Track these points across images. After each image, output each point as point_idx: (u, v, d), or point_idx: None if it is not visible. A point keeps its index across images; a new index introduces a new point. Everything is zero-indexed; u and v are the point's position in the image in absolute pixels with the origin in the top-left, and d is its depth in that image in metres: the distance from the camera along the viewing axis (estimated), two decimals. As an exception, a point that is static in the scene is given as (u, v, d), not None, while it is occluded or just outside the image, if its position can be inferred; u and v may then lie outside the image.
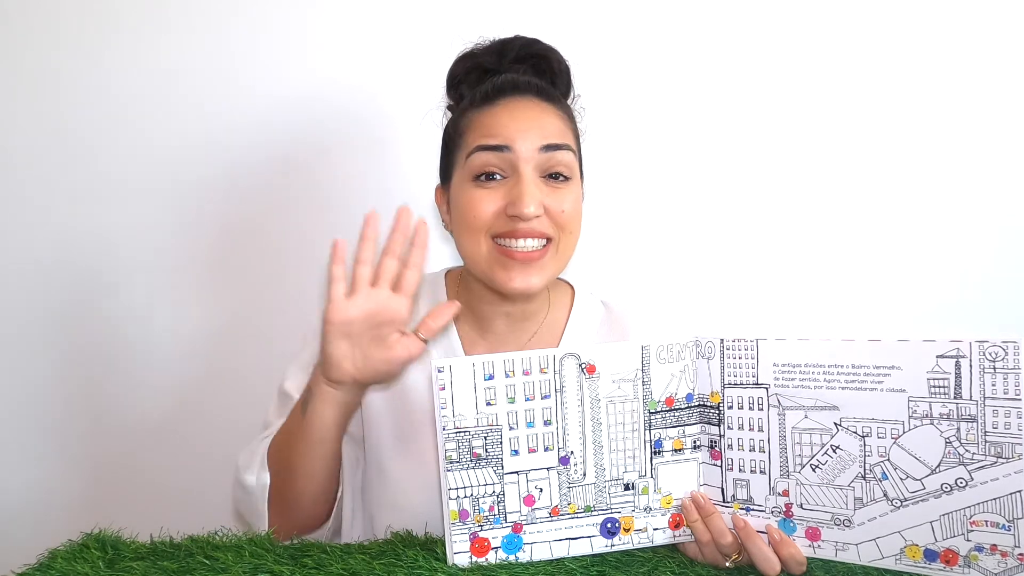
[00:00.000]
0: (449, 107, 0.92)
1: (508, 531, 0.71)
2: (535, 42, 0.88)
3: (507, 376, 0.70)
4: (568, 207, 0.82)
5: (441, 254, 1.15)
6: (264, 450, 0.84)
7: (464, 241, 0.84)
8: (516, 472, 0.71)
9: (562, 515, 0.71)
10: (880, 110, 1.14)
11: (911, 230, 1.15)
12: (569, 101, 0.92)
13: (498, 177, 0.81)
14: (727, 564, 0.70)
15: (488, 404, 0.70)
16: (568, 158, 0.82)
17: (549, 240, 0.82)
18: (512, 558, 0.71)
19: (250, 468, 0.84)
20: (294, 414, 0.81)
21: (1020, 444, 0.61)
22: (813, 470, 0.69)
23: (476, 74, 0.88)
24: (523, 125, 0.81)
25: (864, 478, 0.67)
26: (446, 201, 0.89)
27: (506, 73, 0.85)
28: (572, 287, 0.97)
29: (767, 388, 0.70)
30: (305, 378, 0.83)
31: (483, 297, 0.89)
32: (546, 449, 0.71)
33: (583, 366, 0.71)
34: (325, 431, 0.79)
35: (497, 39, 0.89)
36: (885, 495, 0.66)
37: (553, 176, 0.82)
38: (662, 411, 0.72)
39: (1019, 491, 0.62)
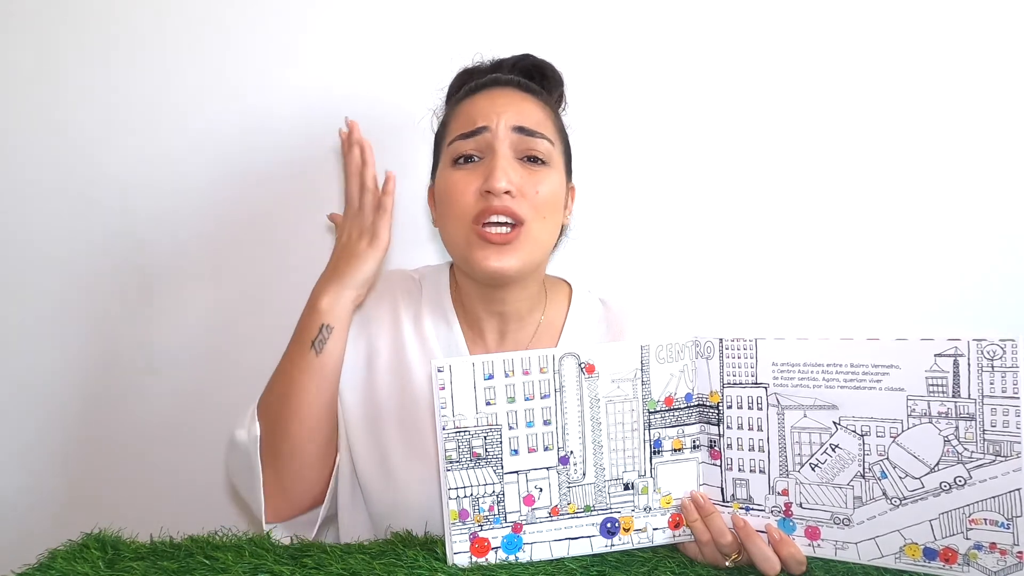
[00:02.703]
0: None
1: (508, 531, 0.71)
2: (528, 56, 0.92)
3: (507, 376, 0.70)
4: (544, 189, 0.82)
5: (437, 255, 1.15)
6: (254, 406, 0.85)
7: (446, 228, 0.85)
8: (516, 472, 0.71)
9: (562, 515, 0.71)
10: (879, 110, 1.14)
11: (909, 229, 1.15)
12: (561, 110, 0.93)
13: (476, 159, 0.83)
14: (727, 564, 0.70)
15: (488, 404, 0.70)
16: (544, 146, 0.83)
17: (522, 222, 0.81)
18: (512, 558, 0.71)
19: (240, 424, 0.85)
20: (297, 359, 0.83)
21: (1018, 442, 0.62)
22: (812, 469, 0.69)
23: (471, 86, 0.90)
24: (499, 108, 0.83)
25: (863, 477, 0.67)
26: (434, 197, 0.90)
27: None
28: (569, 285, 0.97)
29: (766, 387, 0.70)
30: None
31: (473, 296, 0.89)
32: (546, 449, 0.71)
33: (582, 366, 0.71)
34: (340, 362, 0.85)
35: (496, 59, 0.92)
36: (884, 494, 0.66)
37: (531, 159, 0.83)
38: (661, 411, 0.72)
39: (1018, 489, 0.62)
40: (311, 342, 0.82)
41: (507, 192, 0.79)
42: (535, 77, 0.91)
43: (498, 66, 0.92)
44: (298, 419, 0.82)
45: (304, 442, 0.83)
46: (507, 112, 0.82)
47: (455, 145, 0.83)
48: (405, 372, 0.88)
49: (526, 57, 0.92)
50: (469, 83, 0.90)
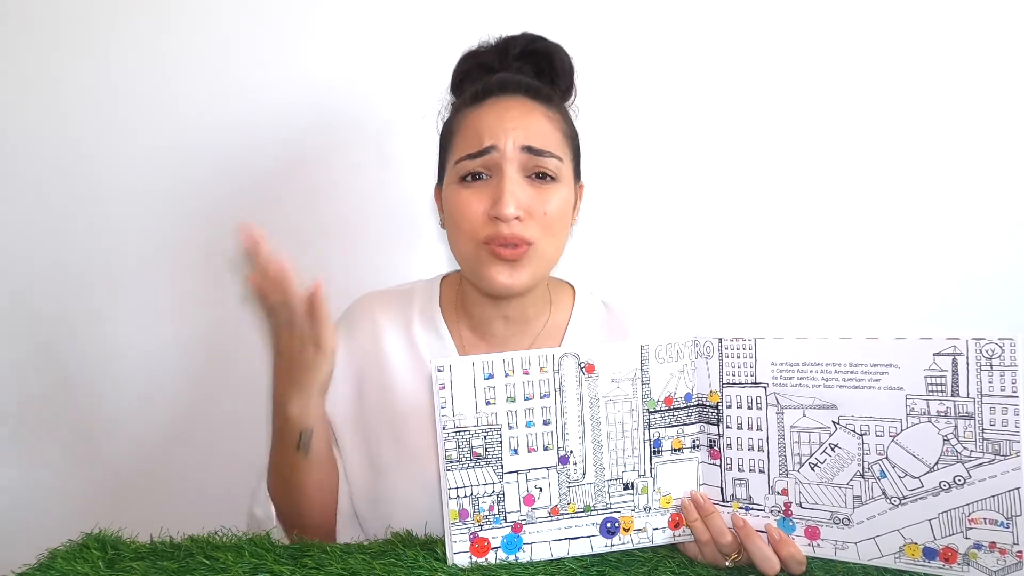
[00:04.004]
0: (452, 104, 0.92)
1: (508, 531, 0.71)
2: (538, 39, 0.89)
3: (506, 375, 0.70)
4: (551, 208, 0.82)
5: (438, 254, 1.16)
6: (264, 485, 0.87)
7: (456, 243, 0.85)
8: (516, 471, 0.71)
9: (562, 515, 0.71)
10: (878, 109, 1.14)
11: (908, 229, 1.15)
12: (570, 102, 0.92)
13: (484, 176, 0.82)
14: (727, 564, 0.70)
15: (488, 403, 0.70)
16: (553, 164, 0.82)
17: (531, 244, 0.81)
18: (512, 558, 0.71)
19: (257, 502, 0.88)
20: (287, 461, 0.82)
21: (1017, 441, 0.62)
22: (812, 469, 0.69)
23: (478, 72, 0.88)
24: (508, 125, 0.81)
25: (863, 476, 0.67)
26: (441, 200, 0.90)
27: (502, 72, 0.86)
28: (573, 288, 0.97)
29: (765, 387, 0.70)
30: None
31: (479, 301, 0.90)
32: (545, 448, 0.71)
33: (582, 365, 0.71)
34: (330, 448, 0.87)
35: (503, 37, 0.89)
36: (884, 493, 0.66)
37: (539, 176, 0.82)
38: (661, 411, 0.73)
39: (1017, 488, 0.62)
40: (295, 446, 0.80)
41: (516, 217, 0.79)
42: (544, 69, 0.88)
43: (505, 49, 0.88)
44: (307, 501, 0.85)
45: (319, 510, 0.86)
46: (515, 130, 0.81)
47: (462, 164, 0.82)
48: (392, 385, 0.89)
49: (536, 41, 0.89)
50: (475, 82, 0.87)
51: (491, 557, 0.70)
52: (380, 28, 1.13)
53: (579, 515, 0.72)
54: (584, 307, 0.95)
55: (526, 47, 0.88)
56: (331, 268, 1.15)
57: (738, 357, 0.71)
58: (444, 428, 0.70)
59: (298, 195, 1.15)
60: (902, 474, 0.66)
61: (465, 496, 0.70)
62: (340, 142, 1.15)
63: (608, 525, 0.72)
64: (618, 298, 0.97)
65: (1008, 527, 0.62)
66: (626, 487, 0.72)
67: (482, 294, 0.88)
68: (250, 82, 1.13)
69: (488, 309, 0.90)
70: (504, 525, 0.71)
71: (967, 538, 0.64)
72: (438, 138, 0.91)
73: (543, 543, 0.71)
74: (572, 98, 0.92)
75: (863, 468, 0.67)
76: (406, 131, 1.12)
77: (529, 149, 0.81)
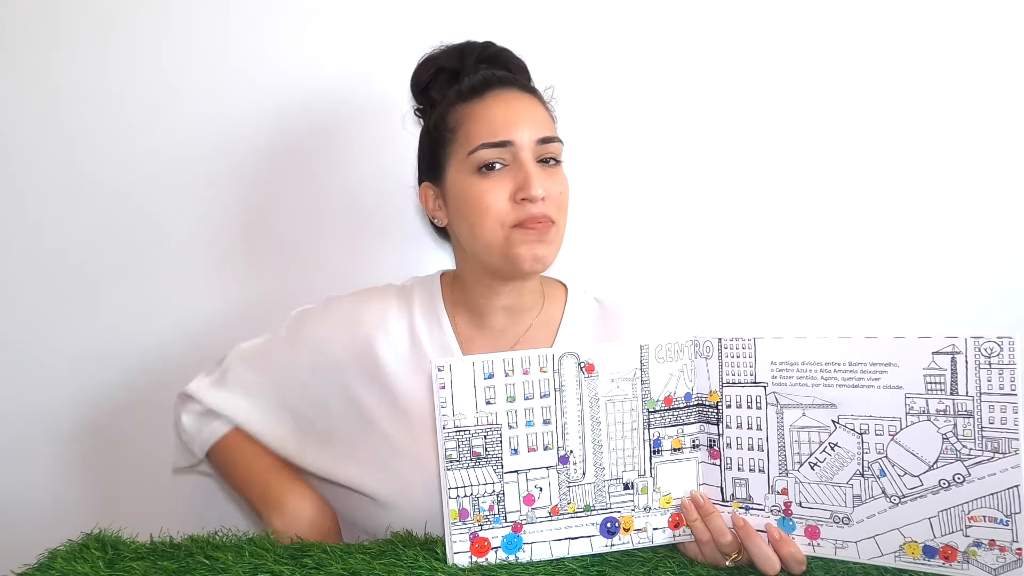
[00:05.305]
0: (417, 111, 0.95)
1: (508, 531, 0.71)
2: (490, 44, 0.92)
3: (506, 375, 0.70)
4: (564, 188, 0.87)
5: (436, 253, 1.16)
6: (208, 446, 0.95)
7: (478, 232, 0.85)
8: (516, 471, 0.71)
9: (562, 514, 0.72)
10: (878, 107, 1.15)
11: (907, 228, 1.16)
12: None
13: (498, 166, 0.84)
14: (727, 563, 0.70)
15: (488, 403, 0.70)
16: (559, 148, 0.87)
17: (554, 223, 0.85)
18: (512, 558, 0.71)
19: (197, 430, 0.96)
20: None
21: (1016, 439, 0.62)
22: (812, 468, 0.69)
23: (444, 76, 0.90)
24: (520, 118, 0.85)
25: (862, 475, 0.67)
26: (439, 197, 0.90)
27: (476, 73, 0.89)
28: (565, 285, 0.98)
29: (765, 386, 0.70)
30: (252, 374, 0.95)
31: (481, 292, 0.90)
32: (546, 448, 0.71)
33: (582, 365, 0.71)
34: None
35: (453, 44, 0.92)
36: (883, 492, 0.66)
37: (544, 161, 0.86)
38: (661, 410, 0.73)
39: (1016, 486, 0.62)
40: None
41: (542, 198, 0.83)
42: (508, 68, 0.92)
43: (461, 53, 0.90)
44: None
45: None
46: (527, 124, 0.84)
47: (481, 153, 0.83)
48: (394, 385, 0.89)
49: (488, 47, 0.92)
50: (453, 84, 0.89)
51: (491, 557, 0.70)
52: (384, 20, 1.12)
53: (579, 515, 0.72)
54: (577, 302, 0.96)
55: (482, 53, 0.91)
56: (333, 264, 1.15)
57: (738, 357, 0.71)
58: (444, 428, 0.70)
59: (302, 189, 1.15)
60: (902, 473, 0.66)
61: (465, 496, 0.70)
62: (343, 135, 1.15)
63: (608, 525, 0.72)
64: (611, 296, 0.98)
65: (1007, 525, 0.63)
66: (626, 487, 0.72)
67: (487, 283, 0.89)
68: (252, 74, 1.12)
69: (489, 300, 0.91)
70: (504, 525, 0.71)
71: (967, 536, 0.64)
72: (423, 137, 0.91)
73: (543, 543, 0.71)
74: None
75: (863, 467, 0.67)
76: (409, 122, 1.11)
77: (542, 140, 0.85)
